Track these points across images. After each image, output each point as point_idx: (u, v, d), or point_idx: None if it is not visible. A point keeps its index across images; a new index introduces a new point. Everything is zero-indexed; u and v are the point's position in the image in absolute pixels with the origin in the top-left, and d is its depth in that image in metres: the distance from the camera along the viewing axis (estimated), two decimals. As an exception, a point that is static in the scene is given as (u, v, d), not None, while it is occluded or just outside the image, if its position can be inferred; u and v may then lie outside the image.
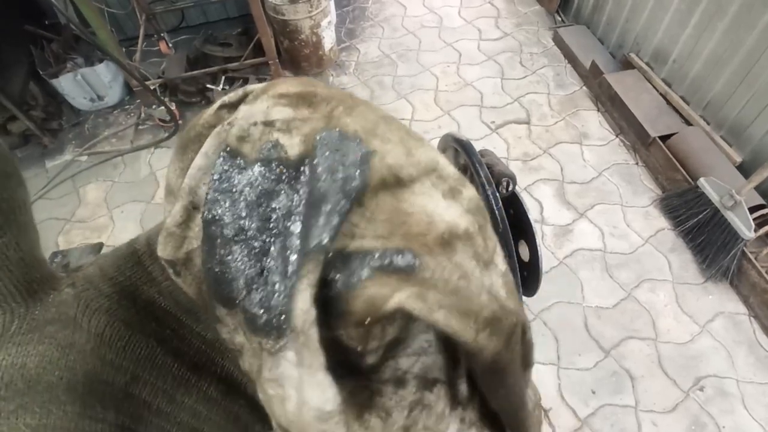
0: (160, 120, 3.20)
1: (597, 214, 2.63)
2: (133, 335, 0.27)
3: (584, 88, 3.27)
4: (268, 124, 0.21)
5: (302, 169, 0.20)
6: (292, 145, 0.20)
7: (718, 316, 2.26)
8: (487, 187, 0.45)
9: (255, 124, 0.21)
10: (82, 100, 3.29)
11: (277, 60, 3.19)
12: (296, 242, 0.19)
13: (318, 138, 0.20)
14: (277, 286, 0.19)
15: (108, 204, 2.90)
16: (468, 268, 0.20)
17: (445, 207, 0.21)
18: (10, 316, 0.24)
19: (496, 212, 0.44)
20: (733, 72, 2.43)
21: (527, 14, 3.85)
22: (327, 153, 0.20)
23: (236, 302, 0.20)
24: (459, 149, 0.50)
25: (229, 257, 0.20)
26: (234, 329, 0.22)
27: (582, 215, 2.64)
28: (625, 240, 2.53)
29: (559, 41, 3.52)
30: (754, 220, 2.16)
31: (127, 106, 3.44)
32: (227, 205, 0.20)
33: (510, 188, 0.47)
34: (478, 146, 0.48)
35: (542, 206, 2.68)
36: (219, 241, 0.20)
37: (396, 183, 0.20)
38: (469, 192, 0.22)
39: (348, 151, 0.20)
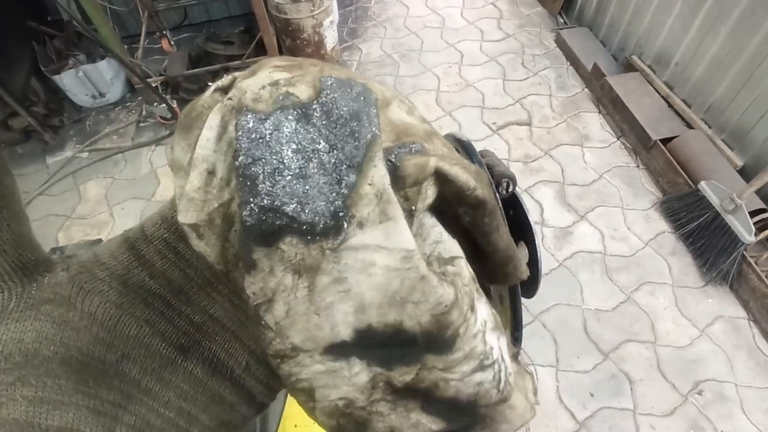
0: (161, 117, 3.20)
1: (597, 217, 2.63)
2: (123, 316, 0.28)
3: (586, 90, 3.26)
4: (274, 84, 0.26)
5: (314, 106, 0.25)
6: (301, 91, 0.25)
7: (718, 320, 2.25)
8: (487, 187, 0.44)
9: (263, 87, 0.25)
10: (84, 97, 3.29)
11: (279, 59, 3.19)
12: (331, 157, 0.25)
13: (321, 80, 0.26)
14: (326, 192, 0.24)
15: (108, 201, 2.90)
16: (447, 150, 0.28)
17: (412, 120, 0.29)
18: (8, 294, 0.26)
19: (497, 213, 0.44)
20: (735, 76, 2.43)
21: (530, 16, 3.85)
22: (336, 90, 0.26)
23: (284, 229, 0.24)
24: (459, 149, 0.49)
25: (276, 187, 0.24)
26: (269, 271, 0.25)
27: (582, 217, 2.63)
28: (625, 243, 2.52)
29: (561, 43, 3.52)
30: (754, 224, 2.16)
31: (129, 104, 3.44)
32: (261, 147, 0.24)
33: (510, 189, 0.47)
34: (479, 147, 0.48)
35: (542, 208, 2.68)
36: (261, 177, 0.24)
37: (384, 104, 0.28)
38: (418, 112, 0.30)
39: (350, 85, 0.26)
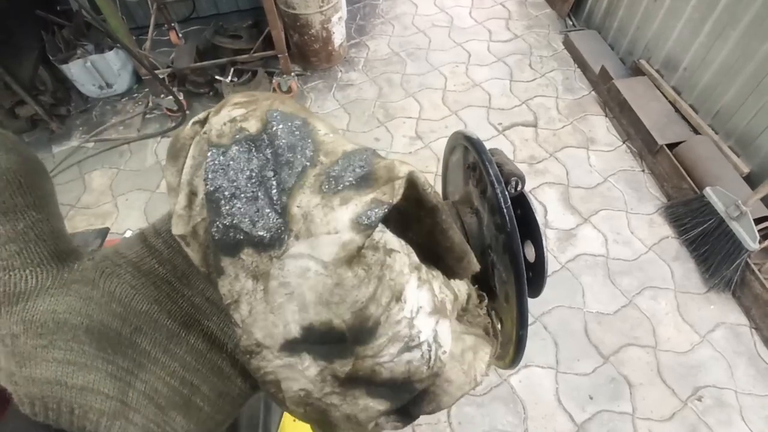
0: (167, 110, 3.21)
1: (601, 220, 2.63)
2: (136, 295, 0.34)
3: (593, 93, 3.25)
4: (232, 120, 0.31)
5: (262, 137, 0.30)
6: (251, 125, 0.30)
7: (719, 327, 2.25)
8: (496, 185, 0.45)
9: (224, 124, 0.31)
10: (91, 87, 3.30)
11: (287, 54, 3.19)
12: (273, 182, 0.29)
13: (267, 114, 0.31)
14: (268, 212, 0.29)
15: (113, 191, 2.91)
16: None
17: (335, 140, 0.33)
18: (46, 275, 0.32)
19: (505, 211, 0.44)
20: (744, 82, 2.42)
21: (538, 17, 3.84)
22: (280, 122, 0.31)
23: (243, 242, 0.29)
24: (468, 147, 0.49)
25: (233, 209, 0.29)
26: (234, 277, 0.30)
27: (586, 220, 2.63)
28: (629, 247, 2.52)
29: (569, 45, 3.51)
30: (759, 231, 2.16)
31: (136, 95, 3.45)
32: (222, 176, 0.29)
33: (519, 188, 0.47)
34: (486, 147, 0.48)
35: (546, 210, 2.68)
36: (222, 201, 0.29)
37: (325, 133, 0.32)
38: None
39: (291, 119, 0.31)
